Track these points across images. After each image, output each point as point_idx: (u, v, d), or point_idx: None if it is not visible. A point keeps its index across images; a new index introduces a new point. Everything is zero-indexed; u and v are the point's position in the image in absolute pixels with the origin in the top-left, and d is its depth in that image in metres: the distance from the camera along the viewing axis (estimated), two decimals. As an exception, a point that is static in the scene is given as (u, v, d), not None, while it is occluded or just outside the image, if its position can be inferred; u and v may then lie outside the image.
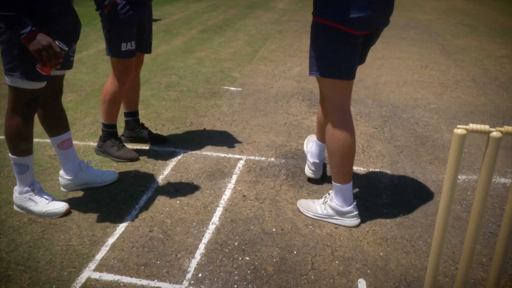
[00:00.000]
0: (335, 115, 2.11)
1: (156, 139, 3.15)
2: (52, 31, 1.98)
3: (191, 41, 6.79)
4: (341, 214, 2.21)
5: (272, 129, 3.45)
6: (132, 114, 3.11)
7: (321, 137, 2.48)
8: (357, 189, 2.59)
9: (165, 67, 5.20)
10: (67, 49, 1.99)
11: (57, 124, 2.36)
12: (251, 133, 3.36)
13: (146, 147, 3.08)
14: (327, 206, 2.24)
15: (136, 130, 3.12)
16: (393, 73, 5.23)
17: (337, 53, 2.02)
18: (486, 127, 1.49)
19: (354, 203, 2.21)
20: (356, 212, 2.21)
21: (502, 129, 1.49)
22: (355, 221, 2.21)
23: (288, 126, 3.53)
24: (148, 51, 2.96)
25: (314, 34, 2.08)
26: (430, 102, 4.20)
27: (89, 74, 4.82)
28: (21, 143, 2.15)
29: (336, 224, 2.23)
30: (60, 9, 2.06)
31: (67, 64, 2.22)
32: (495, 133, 1.47)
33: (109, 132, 2.87)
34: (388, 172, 2.80)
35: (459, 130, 1.49)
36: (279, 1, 12.66)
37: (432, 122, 3.67)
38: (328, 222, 2.25)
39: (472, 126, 1.49)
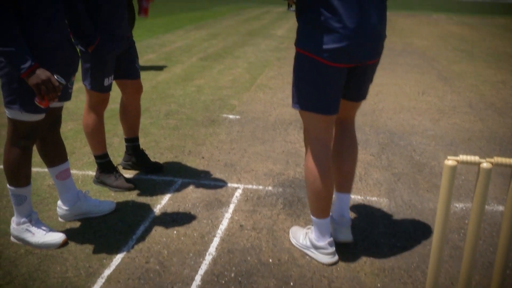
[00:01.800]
0: (312, 148, 2.08)
1: (153, 167, 3.17)
2: (51, 64, 2.02)
3: (191, 68, 6.88)
4: (316, 248, 2.15)
5: (270, 157, 3.47)
6: (132, 140, 3.14)
7: (340, 184, 2.26)
8: (355, 216, 2.60)
9: (165, 95, 5.26)
10: (65, 82, 2.03)
11: (56, 155, 2.39)
12: (249, 161, 3.38)
13: (144, 175, 3.10)
14: (307, 237, 2.21)
15: (135, 156, 3.15)
16: (390, 99, 5.28)
17: (315, 85, 1.98)
18: (476, 158, 1.51)
19: (330, 239, 2.13)
20: (331, 249, 2.12)
21: (492, 160, 1.51)
22: (329, 259, 2.12)
23: (286, 154, 3.55)
24: (138, 75, 2.98)
25: (294, 64, 2.06)
26: (427, 128, 4.24)
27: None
28: (19, 174, 2.17)
29: (311, 257, 2.18)
30: (59, 43, 2.10)
31: (66, 96, 2.26)
32: (485, 165, 1.49)
33: (102, 162, 2.89)
34: (386, 200, 2.81)
35: (450, 161, 1.51)
36: (278, 28, 12.89)
37: (429, 149, 3.69)
38: (306, 253, 2.21)
39: (463, 157, 1.52)
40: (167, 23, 13.04)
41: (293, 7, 2.21)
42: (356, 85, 2.09)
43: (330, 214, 2.22)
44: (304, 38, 1.96)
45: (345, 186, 2.25)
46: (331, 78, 1.96)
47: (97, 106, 2.79)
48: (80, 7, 2.47)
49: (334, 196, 2.22)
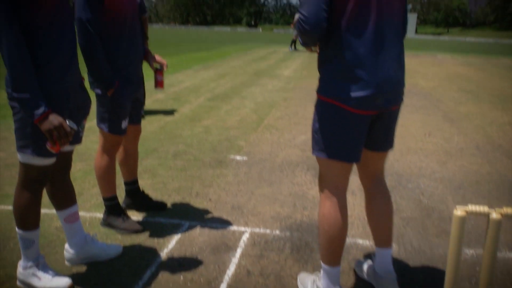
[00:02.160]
0: (329, 195, 2.07)
1: (156, 207, 3.20)
2: (64, 109, 2.07)
3: (199, 109, 6.98)
4: None
5: (277, 200, 3.47)
6: (133, 183, 3.17)
7: (379, 240, 2.25)
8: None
9: (172, 136, 5.32)
10: (77, 128, 2.07)
11: (65, 198, 2.40)
12: (256, 204, 3.37)
13: (151, 218, 3.09)
14: (315, 284, 2.18)
15: (137, 198, 3.18)
16: (397, 140, 5.28)
17: (339, 133, 1.99)
18: (485, 209, 1.50)
19: None
20: None
21: (502, 210, 1.50)
22: None
23: (293, 196, 3.55)
24: (140, 120, 3.07)
25: (316, 111, 2.08)
26: (435, 171, 4.23)
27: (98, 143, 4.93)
28: (28, 218, 2.18)
29: None
30: (72, 88, 2.16)
31: (77, 139, 2.30)
32: (495, 215, 1.48)
33: (111, 205, 2.91)
34: (394, 246, 2.78)
35: (459, 212, 1.50)
36: (284, 68, 13.11)
37: (437, 193, 3.67)
38: None
39: (472, 207, 1.51)
40: (176, 63, 13.32)
41: (294, 47, 2.29)
42: (381, 132, 2.10)
43: (374, 268, 2.23)
44: (329, 86, 2.00)
45: (385, 241, 2.22)
46: (356, 126, 1.98)
47: (111, 149, 2.84)
48: (100, 52, 2.56)
49: (375, 251, 2.26)
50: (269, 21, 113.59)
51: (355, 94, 1.91)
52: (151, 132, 5.45)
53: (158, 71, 3.05)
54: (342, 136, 2.00)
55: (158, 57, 3.05)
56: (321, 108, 2.06)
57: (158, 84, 3.12)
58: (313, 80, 10.60)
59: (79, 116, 2.25)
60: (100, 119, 2.76)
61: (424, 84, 10.46)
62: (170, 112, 6.65)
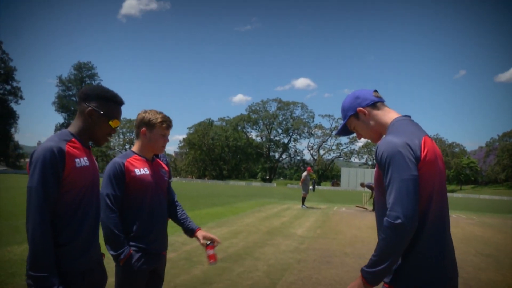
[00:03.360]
0: None
1: None
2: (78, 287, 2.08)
3: (211, 270, 6.83)
4: None
5: None
6: None
7: None
8: None
9: (181, 302, 5.12)
10: None
11: None
12: None
13: None
14: None
15: None
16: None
17: None
18: None
19: None
20: None
21: None
22: None
23: None
24: None
25: None
26: None
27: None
28: None
29: None
30: (89, 268, 2.20)
31: None
32: None
33: None
34: None
35: None
36: (298, 227, 13.09)
37: None
38: None
39: None
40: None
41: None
42: None
43: None
44: (413, 275, 1.96)
45: None
46: None
47: None
48: (117, 225, 2.66)
49: None
50: (283, 176, 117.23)
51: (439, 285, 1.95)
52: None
53: (209, 246, 3.08)
54: None
55: (206, 234, 3.09)
56: None
57: (209, 257, 3.13)
58: (327, 240, 10.50)
59: None
60: None
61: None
62: (181, 273, 6.52)
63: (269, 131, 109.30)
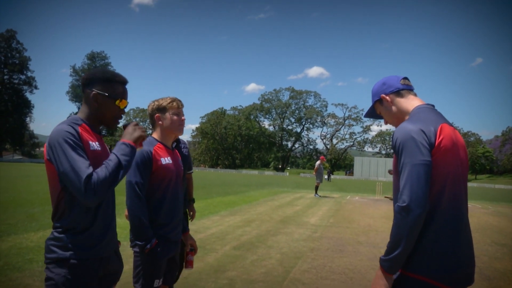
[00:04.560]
0: None
1: None
2: (94, 276, 2.09)
3: (224, 258, 6.88)
4: None
5: None
6: None
7: None
8: None
9: (195, 289, 5.17)
10: None
11: None
12: None
13: None
14: None
15: None
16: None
17: None
18: None
19: None
20: None
21: None
22: None
23: None
24: (173, 282, 3.05)
25: None
26: None
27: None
28: None
29: None
30: (106, 255, 2.21)
31: None
32: None
33: None
34: None
35: None
36: (311, 215, 13.09)
37: None
38: None
39: None
40: (203, 208, 13.53)
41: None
42: None
43: None
44: (427, 259, 1.95)
45: None
46: None
47: None
48: (145, 214, 2.70)
49: None
50: (296, 165, 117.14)
51: (448, 272, 1.94)
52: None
53: (191, 252, 3.15)
54: None
55: (191, 240, 3.18)
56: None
57: (188, 263, 3.25)
58: (340, 229, 10.49)
59: (109, 281, 2.26)
60: (136, 279, 2.78)
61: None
62: (195, 261, 6.54)
63: (281, 120, 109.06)
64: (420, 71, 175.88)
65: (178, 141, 3.73)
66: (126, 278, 5.17)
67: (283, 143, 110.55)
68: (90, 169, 2.00)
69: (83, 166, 1.99)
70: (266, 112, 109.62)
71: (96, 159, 2.16)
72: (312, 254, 7.45)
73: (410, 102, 2.23)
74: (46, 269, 2.08)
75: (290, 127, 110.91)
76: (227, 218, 11.71)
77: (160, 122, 2.95)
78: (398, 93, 2.26)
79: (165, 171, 2.82)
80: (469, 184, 66.85)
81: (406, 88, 2.26)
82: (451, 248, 1.94)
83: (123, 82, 2.36)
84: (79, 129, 2.14)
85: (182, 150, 3.84)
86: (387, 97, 2.27)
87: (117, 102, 2.28)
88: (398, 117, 2.26)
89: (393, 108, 2.27)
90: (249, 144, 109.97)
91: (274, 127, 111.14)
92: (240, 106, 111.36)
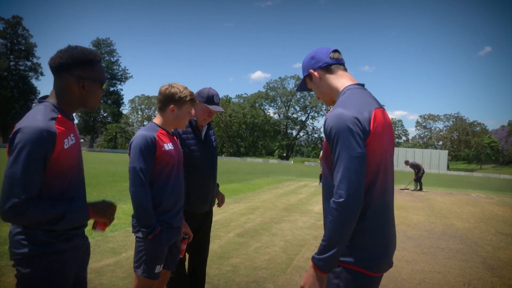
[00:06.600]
0: None
1: None
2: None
3: (228, 245, 6.92)
4: None
5: None
6: None
7: None
8: None
9: (199, 275, 5.20)
10: None
11: None
12: None
13: None
14: None
15: None
16: (434, 290, 5.00)
17: None
18: None
19: None
20: None
21: None
22: None
23: None
24: (173, 268, 3.07)
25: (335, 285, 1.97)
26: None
27: (124, 279, 4.87)
28: None
29: None
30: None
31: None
32: None
33: None
34: None
35: None
36: (315, 204, 13.12)
37: None
38: None
39: None
40: (208, 195, 13.56)
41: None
42: None
43: None
44: (358, 250, 1.93)
45: None
46: None
47: None
48: (149, 200, 2.71)
49: None
50: (301, 153, 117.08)
51: (381, 258, 1.95)
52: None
53: (184, 240, 3.14)
54: None
55: (186, 228, 3.16)
56: (342, 281, 1.94)
57: (181, 251, 3.23)
58: (344, 217, 10.49)
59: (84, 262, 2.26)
60: (137, 264, 2.80)
61: (459, 225, 10.15)
62: (198, 248, 6.60)
63: (286, 108, 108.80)
64: (427, 59, 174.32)
65: (209, 127, 3.74)
66: (129, 264, 5.20)
67: (288, 131, 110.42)
68: (35, 192, 1.87)
69: (33, 184, 1.86)
70: (271, 100, 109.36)
71: (68, 156, 2.02)
72: (315, 242, 7.47)
73: (340, 80, 2.12)
74: (17, 265, 1.96)
75: (295, 115, 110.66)
76: (232, 205, 11.76)
77: (172, 113, 2.90)
78: (327, 68, 2.14)
79: (168, 157, 2.82)
80: (474, 174, 66.67)
81: (335, 63, 2.15)
82: (382, 235, 1.94)
83: (101, 59, 2.16)
84: (56, 127, 1.96)
85: (211, 136, 3.83)
86: (316, 73, 2.16)
87: (104, 85, 2.16)
88: (328, 94, 2.16)
89: (322, 84, 2.16)
90: (254, 132, 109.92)
91: (279, 115, 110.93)
92: (245, 94, 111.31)
